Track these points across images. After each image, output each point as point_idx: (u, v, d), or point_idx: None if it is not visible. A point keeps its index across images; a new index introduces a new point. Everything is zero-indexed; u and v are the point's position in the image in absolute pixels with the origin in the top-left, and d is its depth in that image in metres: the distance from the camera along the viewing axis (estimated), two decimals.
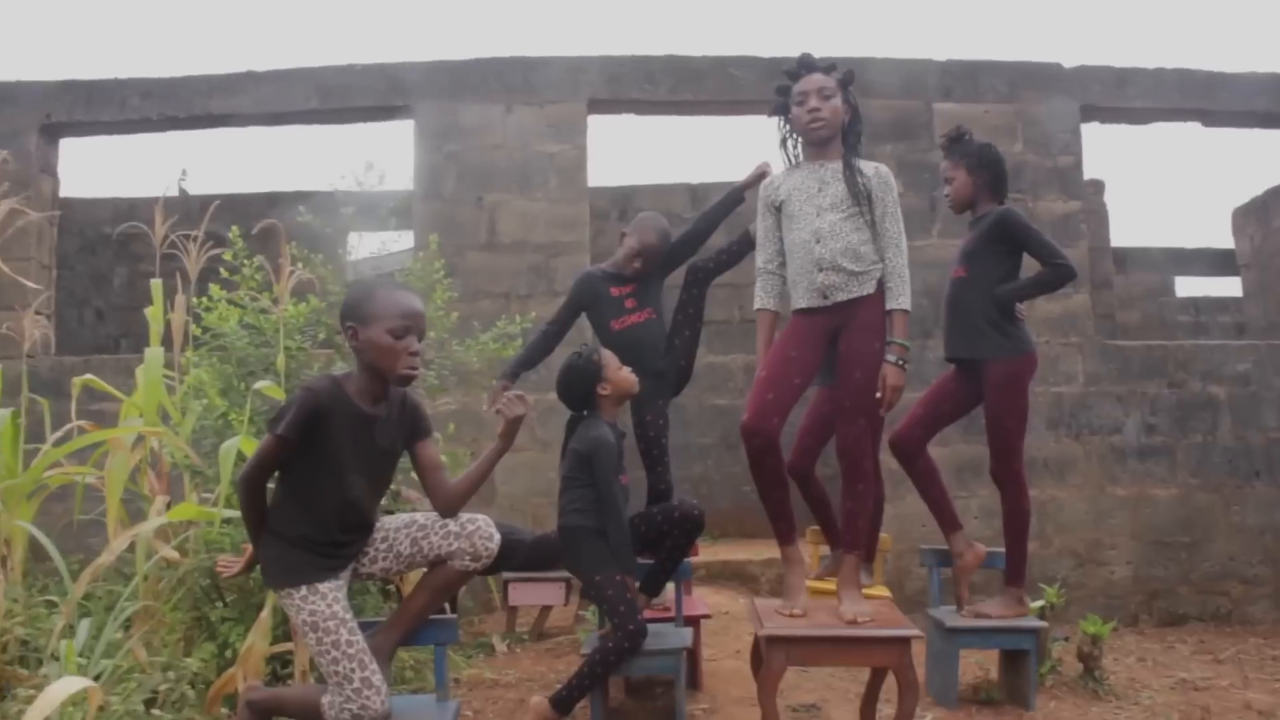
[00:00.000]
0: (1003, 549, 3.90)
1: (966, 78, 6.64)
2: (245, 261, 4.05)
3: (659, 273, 4.15)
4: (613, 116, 6.83)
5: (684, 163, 28.14)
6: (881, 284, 3.33)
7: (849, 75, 3.40)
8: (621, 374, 3.68)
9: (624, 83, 6.56)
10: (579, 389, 3.65)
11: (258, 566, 2.81)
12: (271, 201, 8.31)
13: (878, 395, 3.28)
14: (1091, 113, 6.75)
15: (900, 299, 3.32)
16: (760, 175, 3.93)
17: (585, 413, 3.67)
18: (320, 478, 2.65)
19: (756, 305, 3.49)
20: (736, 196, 4.10)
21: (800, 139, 3.41)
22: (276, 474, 2.70)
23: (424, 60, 6.58)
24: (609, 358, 3.69)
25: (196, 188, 8.38)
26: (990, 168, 3.93)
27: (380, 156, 5.61)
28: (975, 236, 3.90)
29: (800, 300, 3.34)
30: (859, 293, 3.29)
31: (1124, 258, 11.15)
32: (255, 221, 4.83)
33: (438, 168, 6.46)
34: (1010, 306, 3.82)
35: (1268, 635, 5.91)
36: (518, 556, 3.89)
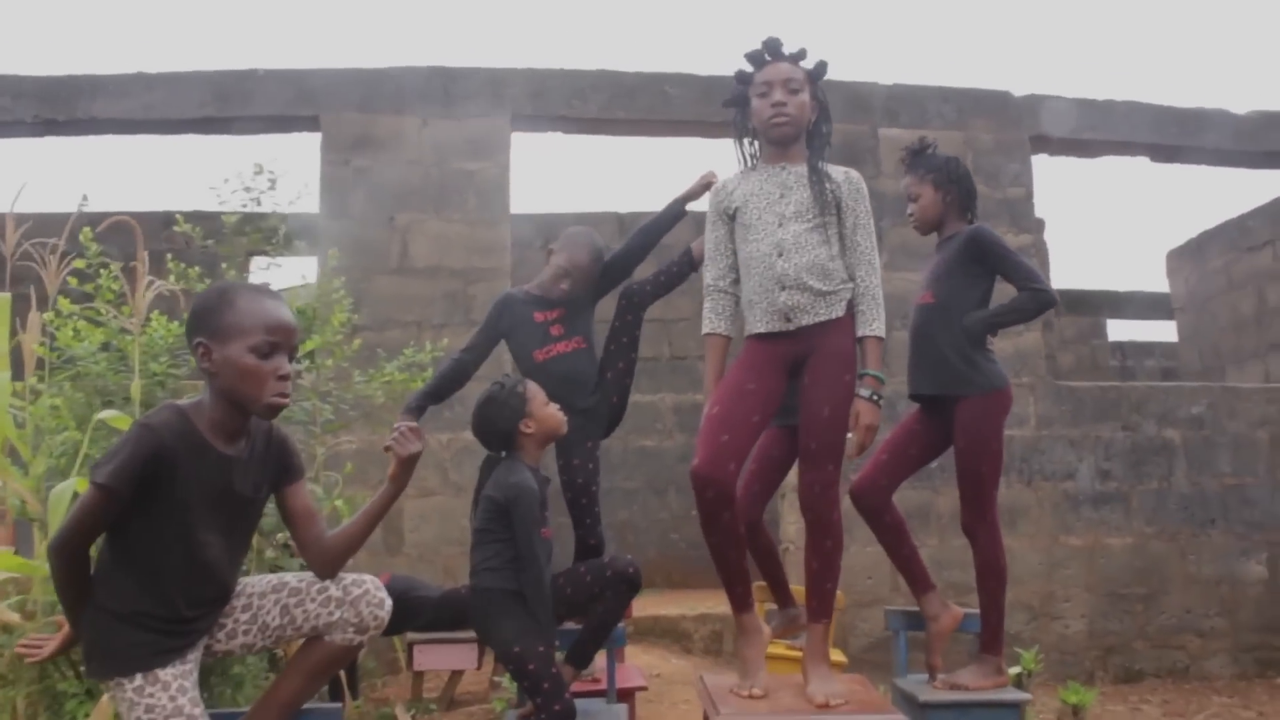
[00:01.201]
0: (976, 609, 3.46)
1: (913, 103, 6.31)
2: (101, 271, 3.45)
3: (590, 296, 3.66)
4: (538, 135, 6.38)
5: (611, 191, 27.63)
6: (852, 306, 2.88)
7: (820, 67, 2.96)
8: (548, 411, 3.18)
9: (550, 98, 6.10)
10: (498, 426, 3.14)
11: (79, 647, 2.21)
12: (168, 222, 7.65)
13: (849, 435, 2.82)
14: (1042, 144, 6.48)
15: (874, 324, 2.87)
16: (705, 185, 3.48)
17: (504, 454, 3.16)
18: (163, 539, 2.07)
19: (705, 329, 3.00)
20: (677, 209, 3.63)
21: (760, 136, 2.96)
22: (104, 536, 2.12)
23: (333, 67, 6.05)
24: (535, 391, 3.19)
25: (91, 206, 7.67)
26: (959, 183, 3.53)
27: (282, 170, 4.91)
28: (943, 259, 3.49)
29: (758, 324, 2.86)
30: (827, 316, 2.82)
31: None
32: (151, 244, 4.25)
33: (345, 184, 5.91)
34: (982, 337, 3.39)
35: (1229, 693, 5.58)
36: (423, 615, 3.37)
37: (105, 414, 3.01)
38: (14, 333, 3.63)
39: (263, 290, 2.21)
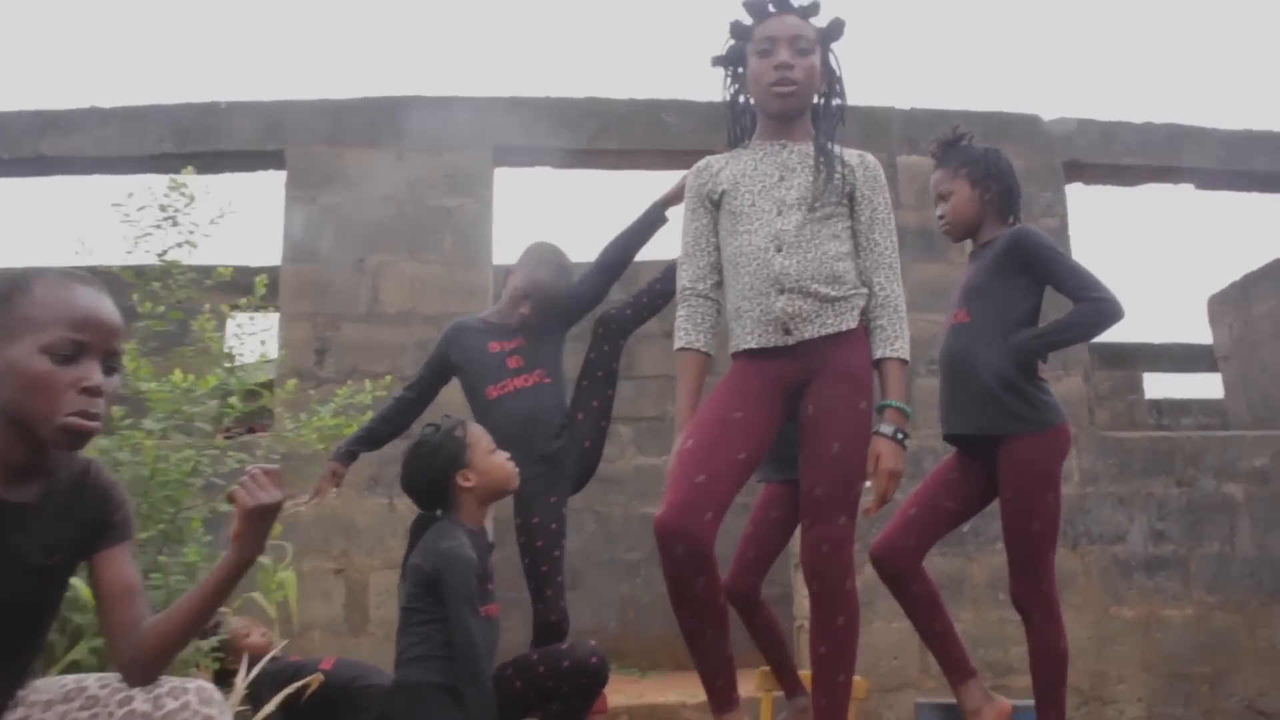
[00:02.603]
0: (1026, 701, 2.81)
1: (934, 128, 5.62)
2: None
3: (558, 324, 3.10)
4: (524, 170, 5.86)
5: (608, 231, 26.78)
6: (866, 318, 2.29)
7: (836, 26, 2.40)
8: (493, 460, 2.59)
9: (537, 128, 5.58)
10: (429, 478, 2.56)
11: None
12: (138, 272, 7.15)
13: (866, 484, 2.21)
14: (1076, 171, 5.91)
15: (896, 343, 2.28)
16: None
17: (439, 513, 2.56)
18: None
19: (678, 343, 2.41)
20: (655, 216, 3.07)
21: (756, 106, 2.39)
22: None
23: (301, 99, 5.57)
24: (477, 436, 2.61)
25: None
26: (999, 178, 2.97)
27: (202, 189, 4.35)
28: (980, 268, 2.89)
29: (748, 337, 2.27)
30: (835, 327, 2.23)
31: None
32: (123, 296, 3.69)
33: (311, 223, 5.38)
34: (1032, 362, 2.78)
35: None
36: (370, 708, 2.79)
37: None
38: None
39: (75, 276, 1.62)
